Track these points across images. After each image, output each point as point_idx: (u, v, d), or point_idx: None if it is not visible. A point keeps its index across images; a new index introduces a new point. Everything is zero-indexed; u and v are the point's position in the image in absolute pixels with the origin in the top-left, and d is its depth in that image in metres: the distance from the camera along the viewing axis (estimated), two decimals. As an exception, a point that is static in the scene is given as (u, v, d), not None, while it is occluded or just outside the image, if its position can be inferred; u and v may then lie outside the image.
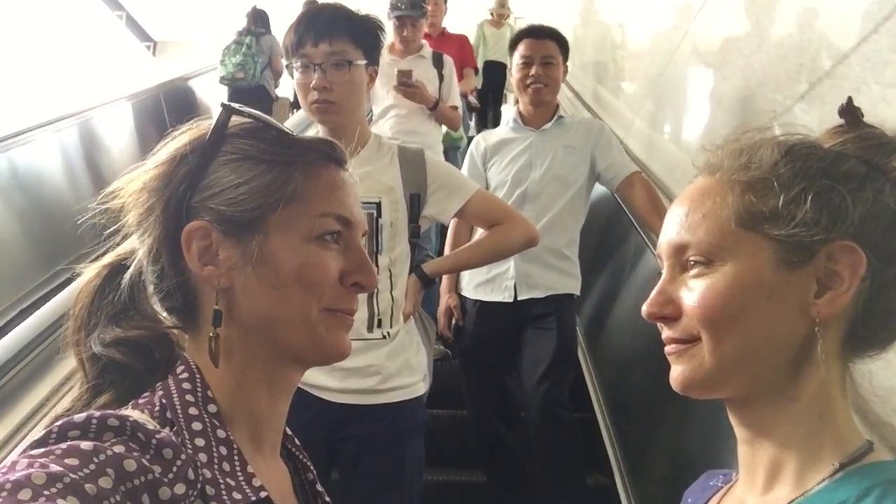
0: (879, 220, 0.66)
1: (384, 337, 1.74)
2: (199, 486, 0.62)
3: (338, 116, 1.71)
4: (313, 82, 1.66)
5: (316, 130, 1.85)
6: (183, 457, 0.61)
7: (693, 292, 0.69)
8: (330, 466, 1.78)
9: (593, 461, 2.75)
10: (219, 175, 0.71)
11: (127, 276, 0.73)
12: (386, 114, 3.70)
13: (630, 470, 2.51)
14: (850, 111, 0.71)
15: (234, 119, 0.73)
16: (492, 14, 7.63)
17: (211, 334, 0.70)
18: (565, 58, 2.69)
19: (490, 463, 2.75)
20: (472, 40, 7.75)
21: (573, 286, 2.62)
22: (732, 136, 0.73)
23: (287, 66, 1.73)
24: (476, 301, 2.63)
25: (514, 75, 2.68)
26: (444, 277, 2.69)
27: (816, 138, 0.71)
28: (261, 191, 0.70)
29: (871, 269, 0.66)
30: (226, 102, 0.73)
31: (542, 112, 2.68)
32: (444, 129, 4.16)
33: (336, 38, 1.66)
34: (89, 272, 0.75)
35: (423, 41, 3.88)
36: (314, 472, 0.83)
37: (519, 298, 2.56)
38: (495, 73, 7.30)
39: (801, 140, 0.70)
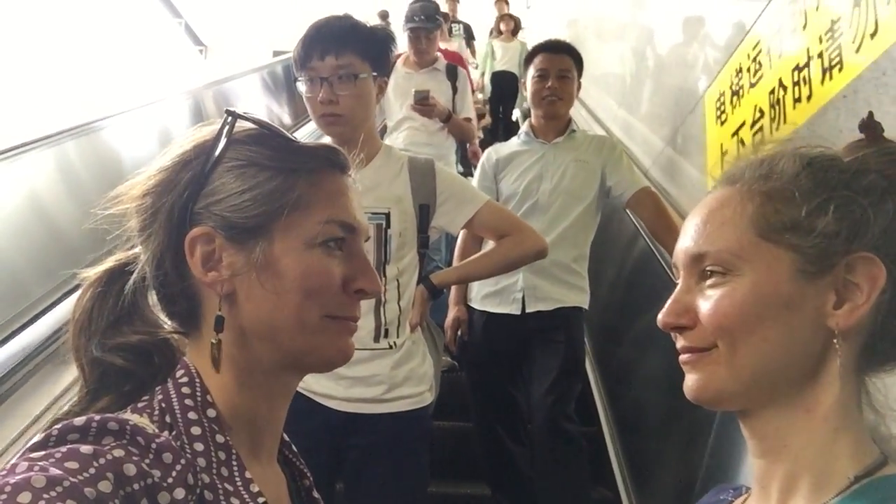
0: None
1: (391, 347, 1.74)
2: (197, 490, 0.62)
3: (345, 129, 1.72)
4: (320, 96, 1.68)
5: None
6: (182, 461, 0.61)
7: (710, 301, 0.69)
8: (334, 474, 1.78)
9: (599, 475, 2.74)
10: (223, 181, 0.71)
11: (130, 281, 0.73)
12: (399, 126, 3.72)
13: (636, 485, 2.50)
14: (870, 126, 0.71)
15: (239, 125, 0.73)
16: (500, 31, 7.69)
17: (213, 340, 0.70)
18: (580, 73, 2.71)
19: (495, 476, 2.74)
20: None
21: (582, 300, 2.61)
22: (752, 148, 0.73)
23: (295, 81, 1.74)
24: (483, 312, 2.63)
25: (529, 88, 2.70)
26: (453, 289, 2.69)
27: (836, 151, 0.71)
28: (265, 197, 0.70)
29: (891, 282, 0.66)
30: (230, 109, 0.73)
31: (554, 126, 2.69)
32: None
33: (342, 51, 1.67)
34: (90, 277, 0.75)
35: (438, 53, 3.91)
36: (311, 478, 0.83)
37: (527, 311, 2.56)
38: (505, 82, 7.30)
39: (821, 152, 0.70)
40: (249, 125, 0.74)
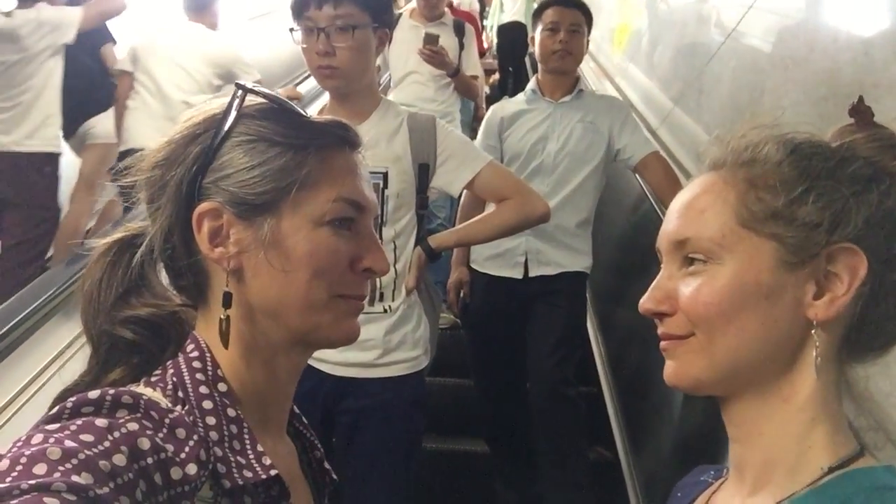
0: (883, 224, 0.65)
1: (385, 311, 1.71)
2: (210, 465, 0.63)
3: (342, 82, 1.67)
4: (317, 47, 1.61)
5: (324, 99, 1.83)
6: (196, 437, 0.62)
7: (689, 288, 0.68)
8: (327, 439, 1.77)
9: (598, 436, 2.76)
10: (232, 156, 0.70)
11: (138, 253, 0.73)
12: (404, 80, 3.67)
13: (635, 446, 2.51)
14: (860, 110, 0.69)
15: (249, 99, 0.72)
16: None
17: (222, 316, 0.70)
18: (589, 28, 2.64)
19: (493, 435, 2.77)
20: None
21: (585, 264, 2.58)
22: (739, 132, 0.71)
23: (291, 30, 1.66)
24: (485, 275, 2.60)
25: (537, 43, 2.62)
26: (456, 250, 2.65)
27: (823, 137, 0.69)
28: (274, 174, 0.70)
29: (872, 273, 0.64)
30: (240, 82, 0.73)
31: (562, 83, 2.61)
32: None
33: (341, 0, 1.60)
34: (99, 247, 0.75)
35: (446, 8, 3.83)
36: (322, 450, 0.84)
37: (530, 275, 2.53)
38: (514, 33, 7.10)
39: (807, 138, 0.69)
40: (260, 99, 0.73)
